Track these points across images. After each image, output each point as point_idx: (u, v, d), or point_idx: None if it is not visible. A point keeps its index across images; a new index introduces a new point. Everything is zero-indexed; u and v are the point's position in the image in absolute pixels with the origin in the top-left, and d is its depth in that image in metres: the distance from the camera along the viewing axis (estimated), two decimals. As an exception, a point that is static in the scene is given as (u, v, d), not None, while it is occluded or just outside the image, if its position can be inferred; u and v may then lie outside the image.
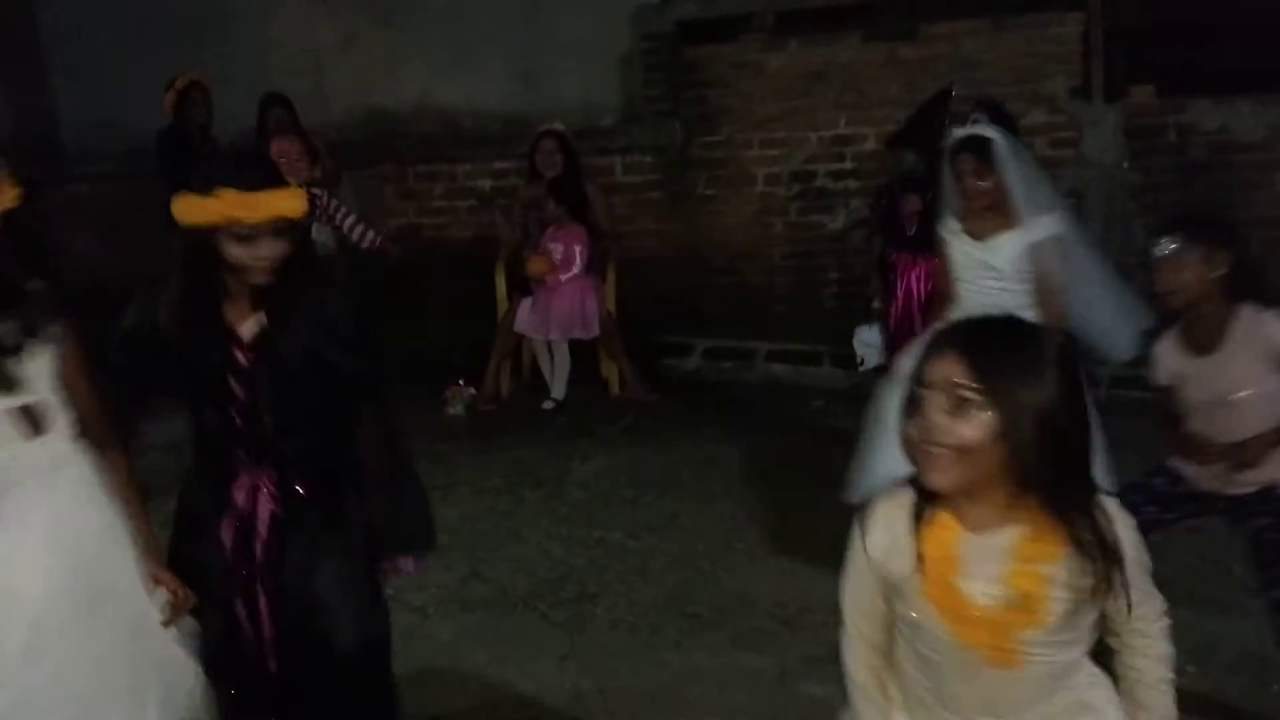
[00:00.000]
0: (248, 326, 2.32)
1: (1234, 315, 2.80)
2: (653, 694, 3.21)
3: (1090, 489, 1.62)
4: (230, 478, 2.37)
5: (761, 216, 6.87)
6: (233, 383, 2.32)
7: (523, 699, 3.21)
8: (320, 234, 6.41)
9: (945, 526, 1.64)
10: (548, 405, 6.02)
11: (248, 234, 2.22)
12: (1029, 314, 3.18)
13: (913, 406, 1.58)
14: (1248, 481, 2.83)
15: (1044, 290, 3.53)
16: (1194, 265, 2.77)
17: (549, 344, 6.15)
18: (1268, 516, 2.83)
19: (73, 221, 7.94)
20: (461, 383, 6.12)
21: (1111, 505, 1.65)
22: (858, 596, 1.78)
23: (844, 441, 3.94)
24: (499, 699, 3.22)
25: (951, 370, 1.54)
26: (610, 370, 6.25)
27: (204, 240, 2.23)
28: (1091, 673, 1.73)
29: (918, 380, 1.59)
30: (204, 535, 2.37)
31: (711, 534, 4.26)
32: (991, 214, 3.60)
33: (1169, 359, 2.93)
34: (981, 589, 1.62)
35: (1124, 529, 1.64)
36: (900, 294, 5.86)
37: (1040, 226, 3.55)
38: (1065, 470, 1.57)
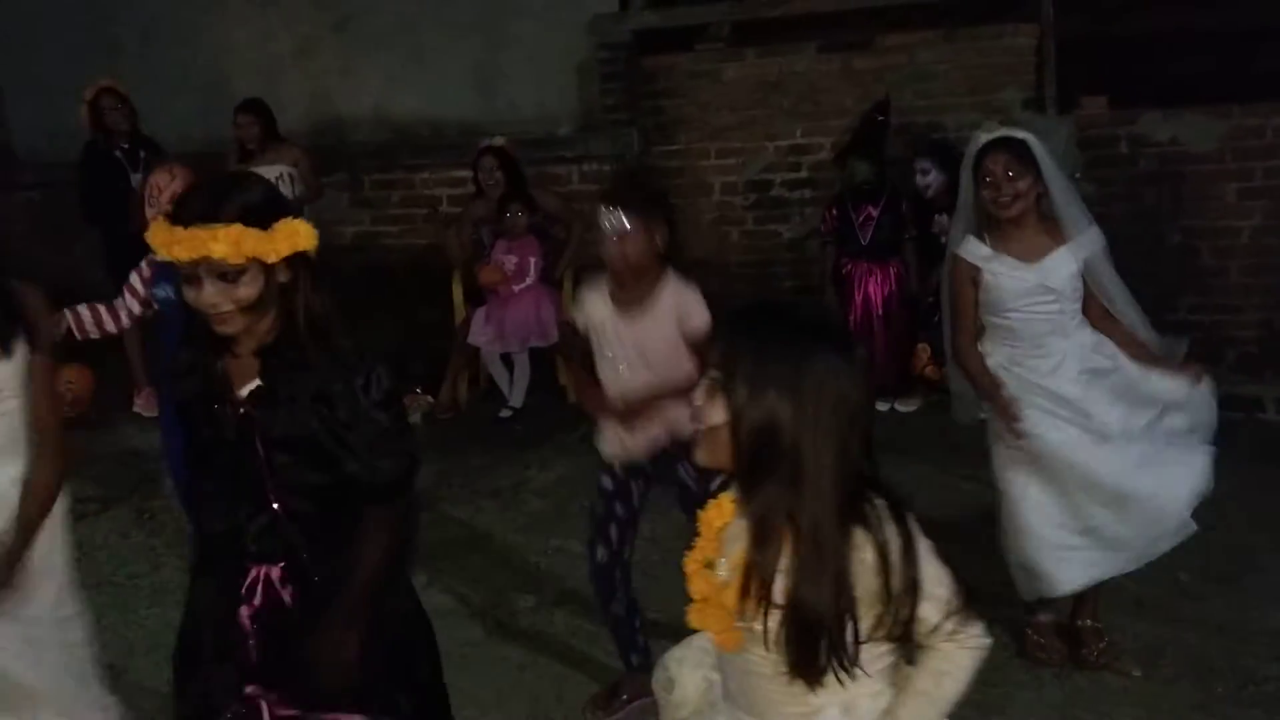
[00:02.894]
0: (246, 388, 2.00)
1: (662, 280, 2.96)
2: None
3: (818, 498, 1.53)
4: (238, 568, 2.06)
5: (718, 225, 6.89)
6: (229, 452, 2.01)
7: (481, 706, 3.19)
8: None
9: (720, 505, 1.71)
10: (505, 414, 6.01)
11: (188, 274, 1.90)
12: (1088, 335, 3.19)
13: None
14: (652, 433, 2.96)
15: (1101, 309, 3.25)
16: (641, 239, 2.89)
17: (506, 354, 6.14)
18: (689, 480, 2.96)
19: (23, 229, 7.84)
20: (419, 391, 6.09)
21: (885, 528, 1.56)
22: None
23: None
24: (456, 706, 3.19)
25: (713, 354, 1.63)
26: (568, 378, 6.25)
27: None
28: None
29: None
30: (216, 631, 2.08)
31: (668, 541, 4.25)
32: (1034, 230, 3.19)
33: (597, 309, 3.02)
34: (725, 570, 1.65)
35: (874, 551, 1.55)
36: (859, 302, 5.93)
37: (1093, 237, 3.24)
38: (774, 477, 1.55)
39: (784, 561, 1.56)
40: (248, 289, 1.89)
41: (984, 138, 3.21)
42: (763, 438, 1.54)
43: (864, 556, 1.55)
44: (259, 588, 2.03)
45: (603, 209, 2.91)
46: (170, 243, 1.85)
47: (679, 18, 6.81)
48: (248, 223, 1.86)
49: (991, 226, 3.21)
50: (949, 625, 1.62)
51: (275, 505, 2.00)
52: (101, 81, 6.21)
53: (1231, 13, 6.09)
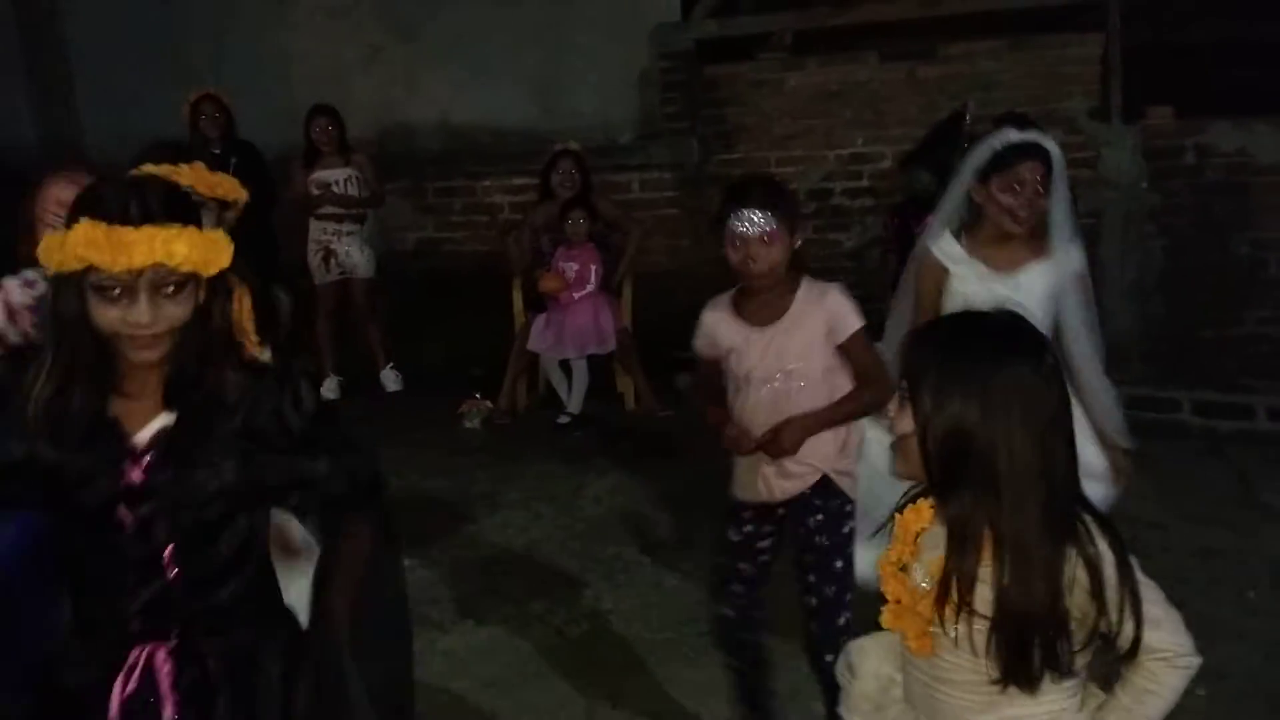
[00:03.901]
0: (146, 431, 1.66)
1: (797, 287, 2.66)
2: (665, 711, 3.23)
3: (1019, 508, 1.53)
4: (117, 651, 1.68)
5: (778, 234, 6.89)
6: (122, 512, 1.64)
7: (538, 713, 3.23)
8: (364, 254, 6.51)
9: (919, 510, 1.68)
10: (563, 420, 6.05)
11: (113, 288, 1.56)
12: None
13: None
14: (793, 476, 2.65)
15: (1074, 336, 2.94)
16: (781, 239, 2.59)
17: (564, 360, 6.19)
18: (820, 514, 2.65)
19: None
20: (478, 396, 6.16)
21: (1094, 544, 1.55)
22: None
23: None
24: (512, 714, 3.25)
25: (900, 363, 1.65)
26: (625, 385, 6.28)
27: (74, 299, 1.58)
28: None
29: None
30: None
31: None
32: (1017, 240, 2.94)
33: (722, 329, 2.72)
34: (920, 574, 1.65)
35: (1095, 562, 1.55)
36: (916, 312, 5.89)
37: (1073, 256, 2.97)
38: (971, 487, 1.55)
39: (985, 570, 1.56)
40: (184, 306, 1.61)
41: (1016, 137, 2.94)
42: (950, 445, 1.55)
43: (1076, 574, 1.54)
44: (135, 671, 1.67)
45: (735, 210, 2.58)
46: (113, 247, 1.53)
47: (741, 27, 6.84)
48: (195, 223, 1.62)
49: (971, 227, 2.97)
50: (1151, 643, 1.59)
51: (171, 573, 1.67)
52: (205, 88, 6.45)
53: (1303, 21, 5.99)
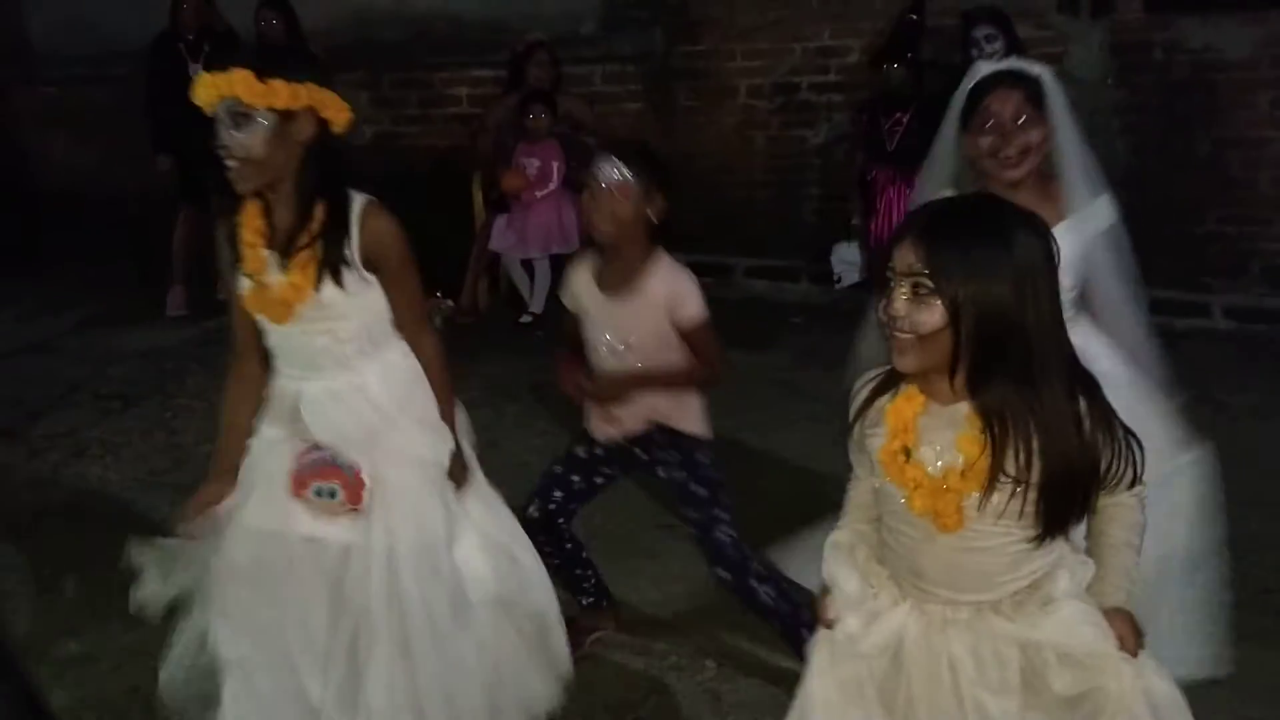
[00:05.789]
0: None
1: (652, 260, 2.69)
2: (630, 601, 3.29)
3: (1040, 379, 1.61)
4: None
5: (743, 129, 6.80)
6: None
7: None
8: None
9: (910, 398, 1.71)
10: (526, 319, 6.02)
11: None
12: (1081, 325, 2.48)
13: (883, 289, 1.66)
14: (618, 423, 2.77)
15: (1108, 306, 2.58)
16: (632, 199, 2.60)
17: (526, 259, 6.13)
18: (678, 469, 2.77)
19: (43, 125, 7.80)
20: (439, 295, 6.10)
21: (1085, 399, 1.65)
22: (856, 480, 1.90)
23: (822, 358, 3.96)
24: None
25: (911, 258, 1.61)
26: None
27: None
28: (1067, 582, 1.74)
29: (888, 265, 1.65)
30: None
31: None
32: (1029, 194, 2.44)
33: (580, 288, 2.79)
34: (934, 455, 1.68)
35: (1097, 409, 1.66)
36: (881, 211, 5.86)
37: (1100, 212, 2.54)
38: (1003, 364, 1.60)
39: (1020, 441, 1.62)
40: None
41: (985, 69, 2.56)
42: (990, 327, 1.58)
43: (1088, 425, 1.64)
44: None
45: (601, 156, 2.67)
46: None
47: (706, -87, 6.64)
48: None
49: (975, 182, 2.54)
50: (1130, 477, 1.73)
51: None
52: None
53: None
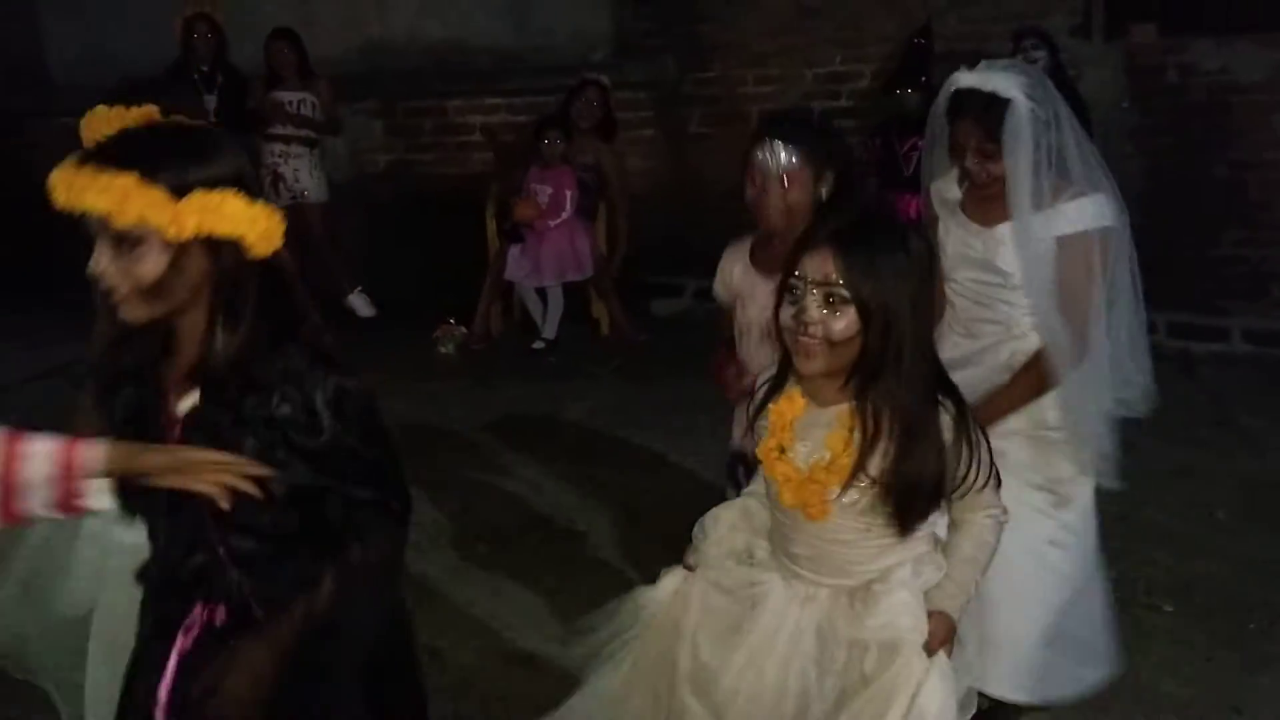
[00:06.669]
0: (185, 403, 1.57)
1: None
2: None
3: (909, 385, 1.71)
4: (178, 609, 1.65)
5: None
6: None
7: (513, 629, 3.24)
8: (314, 177, 6.39)
9: (792, 400, 1.84)
10: (538, 345, 6.01)
11: (93, 232, 1.48)
12: (1033, 337, 2.43)
13: (790, 295, 1.73)
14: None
15: (1067, 310, 2.37)
16: (807, 182, 2.40)
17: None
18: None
19: (61, 155, 7.86)
20: (452, 321, 6.10)
21: (950, 406, 1.76)
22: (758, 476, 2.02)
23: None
24: (488, 630, 3.26)
25: (826, 268, 1.69)
26: (600, 310, 6.23)
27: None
28: (908, 574, 1.85)
29: (792, 272, 1.72)
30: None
31: (700, 474, 4.28)
32: (1001, 196, 2.40)
33: (736, 273, 2.61)
34: (805, 452, 1.81)
35: (950, 428, 1.75)
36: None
37: (1073, 215, 2.37)
38: (891, 364, 1.70)
39: (879, 442, 1.74)
40: (145, 266, 1.46)
41: (961, 80, 2.42)
42: (890, 333, 1.68)
43: (946, 434, 1.75)
44: (195, 627, 1.63)
45: (764, 141, 2.39)
46: (64, 183, 1.45)
47: (717, -60, 6.67)
48: (153, 178, 1.43)
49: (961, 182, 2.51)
50: (986, 499, 1.86)
51: (219, 548, 1.60)
52: (200, 5, 6.36)
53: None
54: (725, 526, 2.03)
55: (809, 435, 1.81)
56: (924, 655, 1.79)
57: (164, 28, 6.52)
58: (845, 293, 1.67)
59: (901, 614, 1.81)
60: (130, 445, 1.55)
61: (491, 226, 6.27)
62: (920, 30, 5.93)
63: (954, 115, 2.42)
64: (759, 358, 2.44)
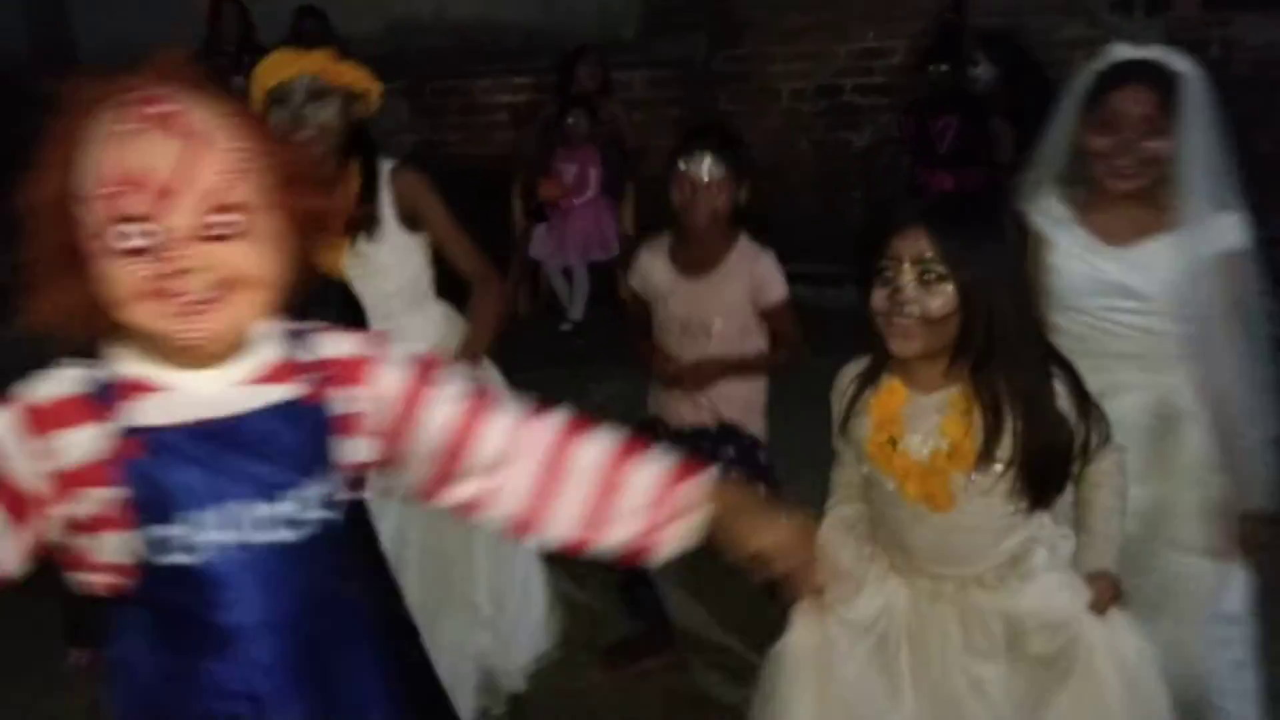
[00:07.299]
0: None
1: (733, 243, 2.72)
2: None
3: (1022, 363, 1.71)
4: None
5: (786, 133, 6.70)
6: None
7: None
8: None
9: (893, 391, 1.80)
10: (565, 327, 5.97)
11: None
12: (1182, 370, 2.16)
13: (881, 278, 1.72)
14: (700, 408, 2.76)
15: (1210, 338, 2.11)
16: (729, 188, 2.65)
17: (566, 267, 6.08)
18: (738, 465, 2.73)
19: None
20: (479, 303, 6.05)
21: (1062, 374, 1.77)
22: (842, 464, 1.99)
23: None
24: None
25: (920, 245, 1.68)
26: (629, 292, 6.16)
27: None
28: (1044, 557, 1.84)
29: (886, 254, 1.71)
30: None
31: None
32: (1138, 204, 2.14)
33: (656, 272, 2.81)
34: (919, 442, 1.77)
35: (1065, 395, 1.76)
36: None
37: (1220, 230, 2.12)
38: (1000, 343, 1.69)
39: (1010, 421, 1.72)
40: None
41: (1120, 53, 2.14)
42: (992, 310, 1.68)
43: (1062, 402, 1.76)
44: None
45: (686, 152, 2.65)
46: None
47: (747, -85, 6.56)
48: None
49: (1077, 184, 2.21)
50: (1106, 450, 1.84)
51: None
52: None
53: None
54: (849, 532, 1.94)
55: (919, 425, 1.77)
56: (1099, 621, 1.78)
57: (191, 14, 6.49)
58: (941, 268, 1.66)
59: (1054, 594, 1.79)
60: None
61: (517, 207, 6.21)
62: (954, 5, 5.82)
63: (1114, 83, 2.10)
64: (681, 352, 2.74)
